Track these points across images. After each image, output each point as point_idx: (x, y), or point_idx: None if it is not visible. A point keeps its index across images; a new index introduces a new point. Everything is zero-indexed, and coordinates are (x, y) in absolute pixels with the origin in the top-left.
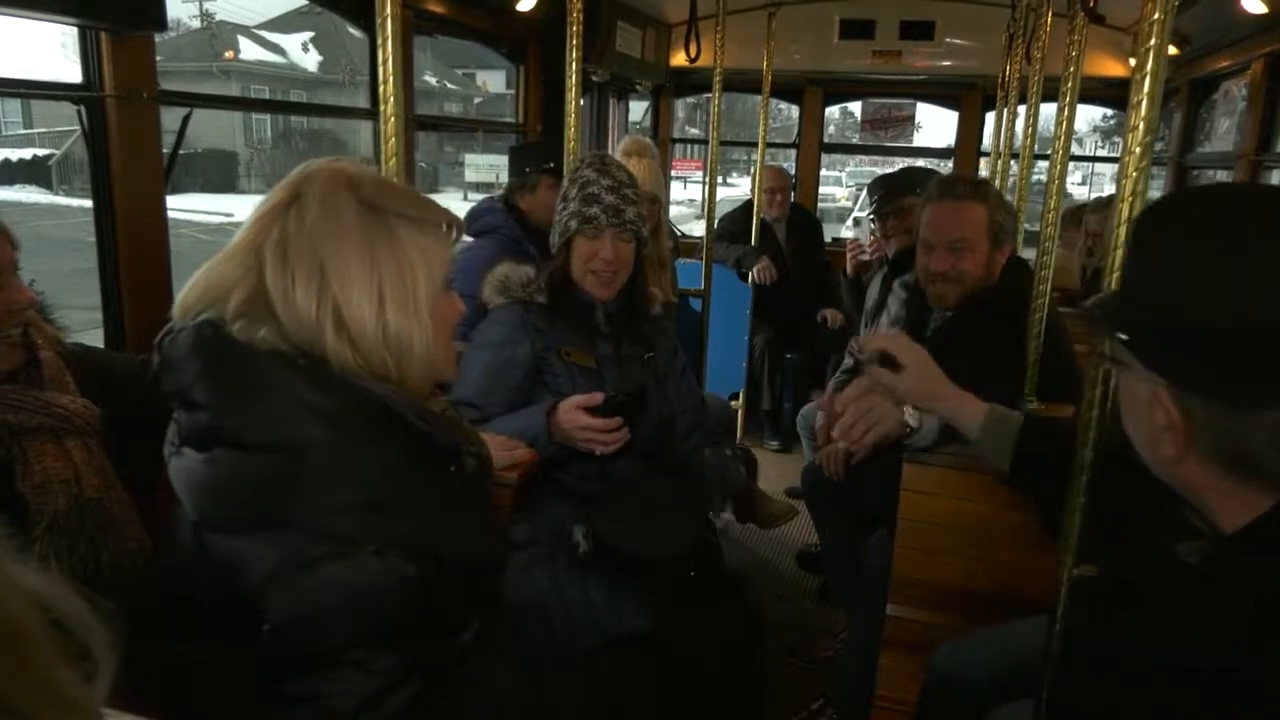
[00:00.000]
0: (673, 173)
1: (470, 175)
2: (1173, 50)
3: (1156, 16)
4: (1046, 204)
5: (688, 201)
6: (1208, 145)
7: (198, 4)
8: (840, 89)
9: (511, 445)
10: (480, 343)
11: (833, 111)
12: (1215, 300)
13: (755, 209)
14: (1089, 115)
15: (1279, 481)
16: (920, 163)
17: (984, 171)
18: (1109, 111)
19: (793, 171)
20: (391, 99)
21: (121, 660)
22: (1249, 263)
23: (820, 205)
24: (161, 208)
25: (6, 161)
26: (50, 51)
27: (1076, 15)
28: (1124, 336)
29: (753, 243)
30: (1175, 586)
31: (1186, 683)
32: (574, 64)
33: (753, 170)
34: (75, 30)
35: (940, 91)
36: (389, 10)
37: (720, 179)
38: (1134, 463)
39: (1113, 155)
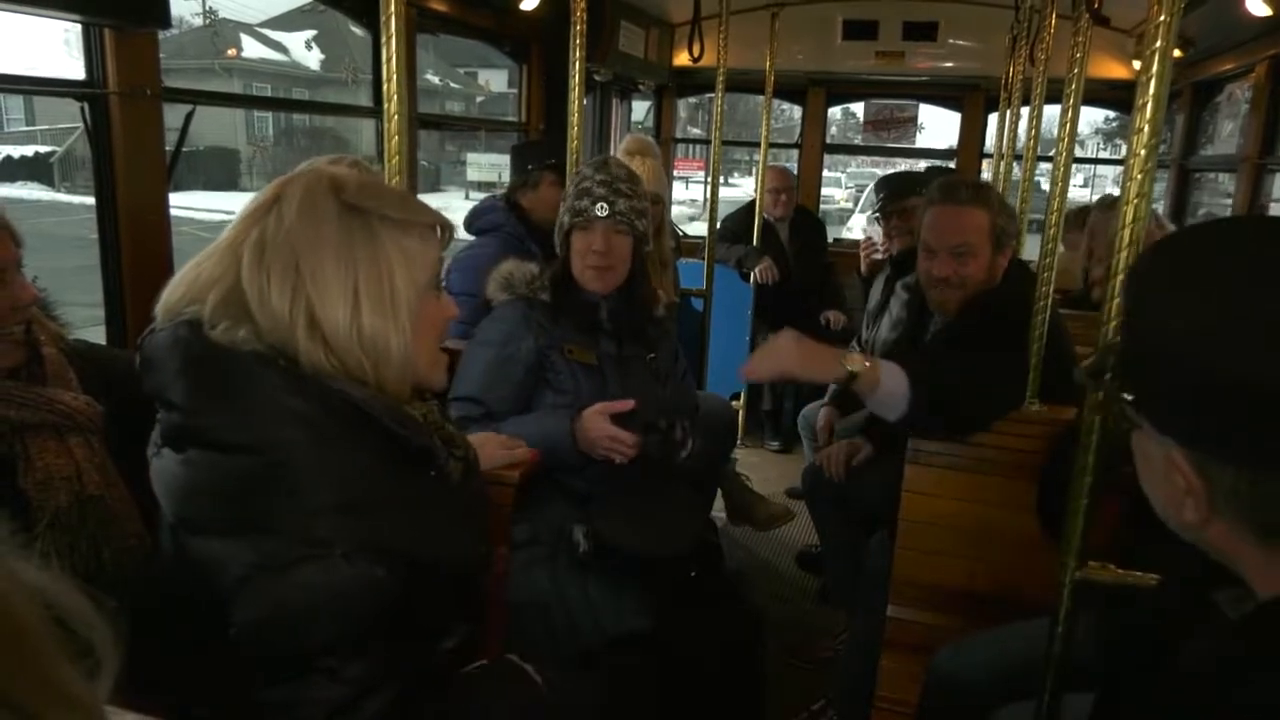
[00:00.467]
0: (675, 173)
1: (472, 174)
2: (1177, 53)
3: (1162, 19)
4: (1050, 205)
5: (689, 201)
6: (1210, 148)
7: (201, 1)
8: (843, 89)
9: (511, 444)
10: (483, 339)
11: (835, 112)
12: (1232, 354)
13: (758, 209)
14: (1091, 117)
15: None
16: (923, 165)
17: (986, 174)
18: (1111, 114)
19: (795, 172)
20: (395, 97)
21: (124, 658)
22: (1268, 310)
23: (820, 207)
24: (164, 205)
25: (9, 158)
26: (53, 48)
27: (1081, 17)
28: (1129, 397)
29: (755, 243)
30: (1214, 648)
31: None
32: (577, 63)
33: (754, 171)
34: (79, 27)
35: (943, 93)
36: (393, 8)
37: (722, 179)
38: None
39: (1115, 158)
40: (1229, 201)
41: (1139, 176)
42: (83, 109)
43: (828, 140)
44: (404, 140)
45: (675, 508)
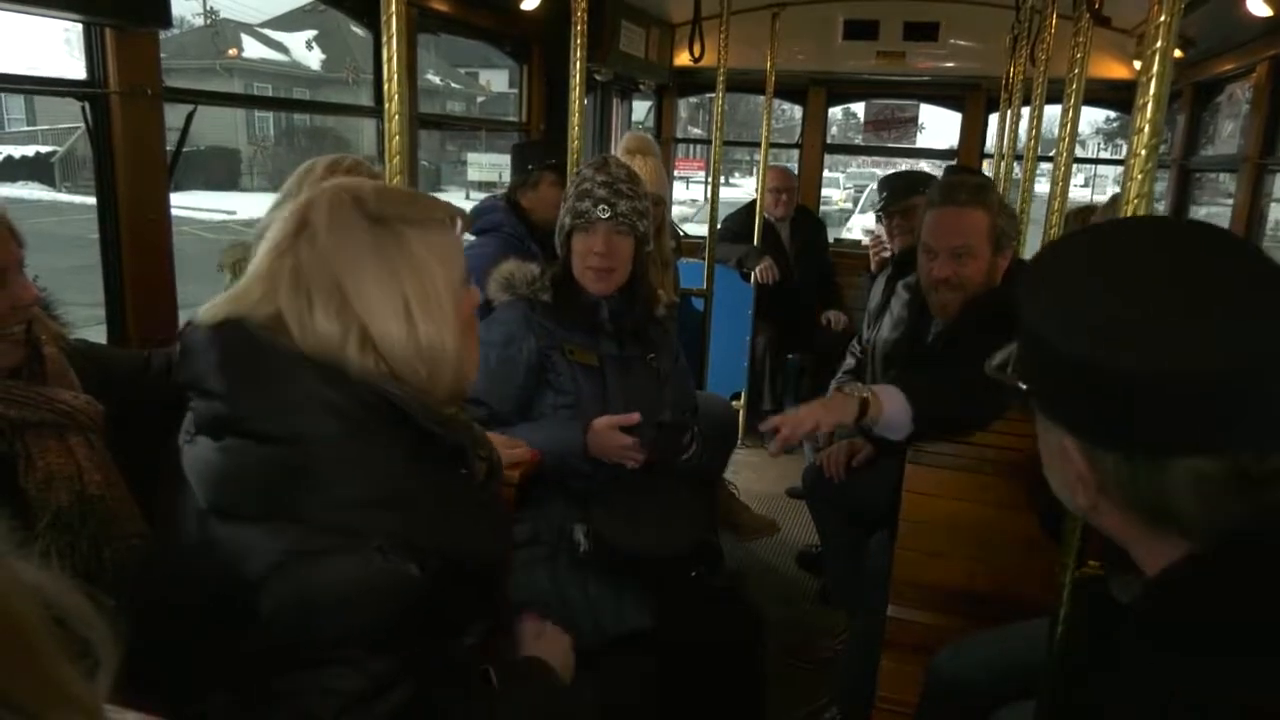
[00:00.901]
0: (675, 173)
1: (473, 174)
2: (1177, 53)
3: (1162, 19)
4: (1051, 205)
5: (689, 201)
6: (1211, 148)
7: (201, 1)
8: (844, 89)
9: (511, 444)
10: (484, 340)
11: (835, 112)
12: (1113, 346)
13: (759, 209)
14: (1091, 117)
15: (1194, 533)
16: (923, 165)
17: (987, 173)
18: (1111, 114)
19: (795, 172)
20: (396, 97)
21: (123, 656)
22: (1148, 305)
23: (820, 208)
24: (165, 204)
25: (10, 158)
26: (54, 48)
27: (1081, 17)
28: (1023, 386)
29: (756, 242)
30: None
31: None
32: (578, 63)
33: (754, 170)
34: (80, 26)
35: (944, 93)
36: (394, 8)
37: (722, 179)
38: None
39: (1115, 158)
40: (1230, 201)
41: (1139, 177)
42: (83, 109)
43: (828, 140)
44: (405, 140)
45: (676, 508)
